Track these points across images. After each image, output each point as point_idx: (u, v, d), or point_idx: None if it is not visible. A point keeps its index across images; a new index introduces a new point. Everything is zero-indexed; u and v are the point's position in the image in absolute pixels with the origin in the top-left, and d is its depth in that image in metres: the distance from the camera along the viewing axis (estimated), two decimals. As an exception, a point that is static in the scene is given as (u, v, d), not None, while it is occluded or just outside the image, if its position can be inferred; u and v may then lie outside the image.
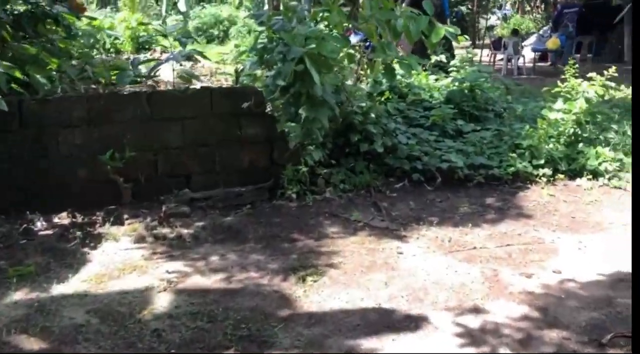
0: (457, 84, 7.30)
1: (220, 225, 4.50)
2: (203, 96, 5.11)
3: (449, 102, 6.94)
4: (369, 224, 4.56)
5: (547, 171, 5.59)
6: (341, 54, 5.39)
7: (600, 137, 6.01)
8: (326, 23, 5.46)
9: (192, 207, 4.78)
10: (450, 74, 7.79)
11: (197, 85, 5.53)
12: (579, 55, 13.75)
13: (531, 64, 15.19)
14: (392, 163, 5.66)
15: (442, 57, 8.18)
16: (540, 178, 5.56)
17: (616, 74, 6.05)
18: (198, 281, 3.63)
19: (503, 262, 3.91)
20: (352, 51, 5.83)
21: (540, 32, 16.99)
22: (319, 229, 4.48)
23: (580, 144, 5.84)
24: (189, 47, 5.88)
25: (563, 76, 6.53)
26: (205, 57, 5.70)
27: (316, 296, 3.42)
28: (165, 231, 4.36)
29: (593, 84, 5.98)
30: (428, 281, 3.62)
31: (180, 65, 5.66)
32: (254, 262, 3.89)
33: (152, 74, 5.42)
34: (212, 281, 3.63)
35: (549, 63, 15.92)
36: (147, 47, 11.74)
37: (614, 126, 6.17)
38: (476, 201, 5.15)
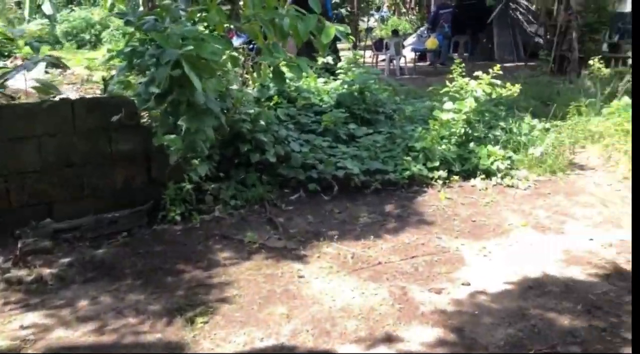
0: (346, 86, 7.07)
1: (90, 260, 3.85)
2: (63, 109, 4.39)
3: (340, 105, 6.68)
4: (265, 245, 4.13)
5: (442, 173, 5.49)
6: (224, 57, 4.90)
7: (490, 135, 6.04)
8: (205, 24, 4.95)
9: (56, 241, 4.07)
10: (339, 77, 7.55)
11: (57, 96, 4.77)
12: (456, 54, 14.25)
13: (412, 64, 15.54)
14: (286, 173, 5.27)
15: (329, 59, 7.92)
16: (435, 181, 5.44)
17: (501, 72, 6.11)
18: (62, 335, 3.00)
19: (410, 277, 3.65)
20: (235, 54, 5.35)
21: (419, 32, 17.48)
22: (209, 256, 3.97)
23: (472, 144, 5.81)
24: (46, 52, 5.09)
25: (451, 76, 6.52)
26: (63, 64, 4.94)
27: (208, 341, 2.93)
28: (22, 273, 3.63)
29: (480, 83, 5.98)
30: (334, 309, 3.25)
31: (46, 73, 4.86)
32: (132, 304, 3.30)
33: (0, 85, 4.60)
34: (81, 333, 3.01)
35: (428, 63, 16.41)
36: (6, 54, 10.41)
37: (502, 124, 6.24)
38: (375, 209, 4.89)
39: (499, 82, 6.05)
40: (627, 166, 5.73)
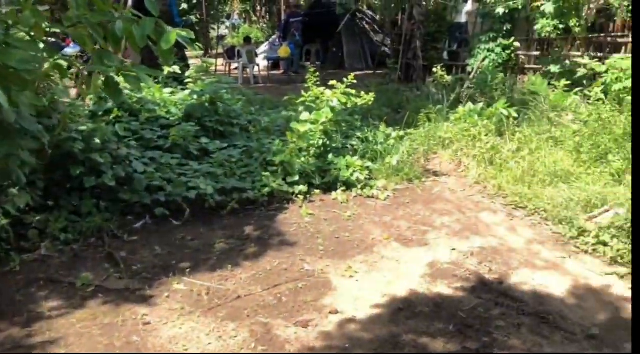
0: (195, 97, 6.55)
1: None
2: None
3: (190, 118, 6.16)
4: (102, 288, 3.51)
5: (303, 187, 5.22)
6: (46, 66, 4.15)
7: (348, 145, 5.91)
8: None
9: None
10: (187, 86, 7.01)
11: None
12: (308, 63, 14.30)
13: (266, 73, 15.34)
14: (128, 198, 4.63)
15: (176, 68, 7.34)
16: (297, 196, 5.15)
17: (355, 81, 6.01)
18: None
19: (274, 311, 3.28)
20: (62, 62, 4.60)
21: (271, 40, 17.34)
22: (30, 307, 3.27)
23: (330, 155, 5.63)
24: None
25: (306, 85, 6.30)
26: None
27: None
28: None
29: (335, 93, 5.82)
30: (187, 361, 2.77)
31: None
32: None
33: None
34: None
35: (281, 71, 16.33)
36: None
37: (358, 133, 6.15)
38: (233, 232, 4.46)
39: (353, 91, 5.94)
40: (476, 170, 5.91)
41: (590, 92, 8.93)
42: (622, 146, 5.80)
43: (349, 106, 5.88)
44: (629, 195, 4.77)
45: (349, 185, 5.42)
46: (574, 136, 6.15)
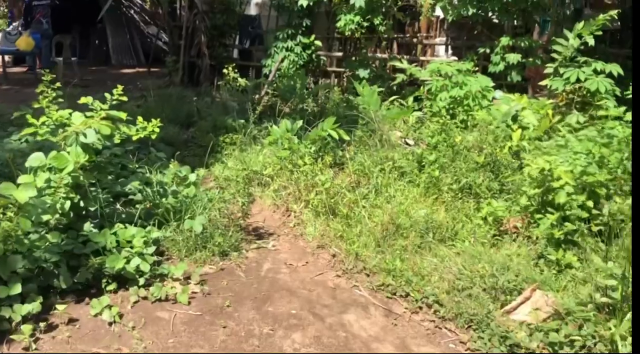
0: None
1: None
2: None
3: None
4: None
5: (31, 306, 2.81)
6: None
7: (120, 208, 3.61)
8: None
9: None
10: None
11: None
12: (61, 59, 11.11)
13: (1, 70, 11.68)
14: None
15: None
16: (18, 325, 2.73)
17: (125, 99, 3.72)
18: None
19: None
20: None
21: (9, 29, 13.41)
22: None
23: (87, 225, 3.29)
24: None
25: (40, 103, 3.78)
26: None
27: None
28: None
29: (93, 118, 3.43)
30: None
31: None
32: None
33: None
34: None
35: (26, 68, 12.70)
36: None
37: (134, 183, 3.86)
38: None
39: (124, 115, 3.60)
40: (314, 224, 4.12)
41: (410, 102, 7.94)
42: (488, 178, 4.55)
43: (117, 139, 3.54)
44: (542, 263, 3.43)
45: (124, 281, 3.16)
46: (426, 167, 4.74)
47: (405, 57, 9.04)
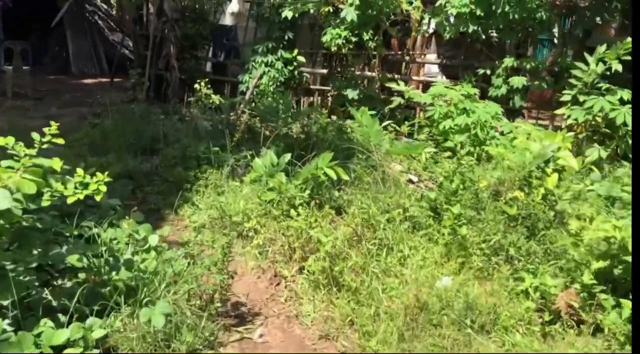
0: None
1: None
2: None
3: None
4: None
5: None
6: None
7: (46, 293, 2.59)
8: None
9: None
10: None
11: None
12: (11, 67, 9.91)
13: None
14: None
15: None
16: None
17: (62, 141, 2.71)
18: None
19: None
20: None
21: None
22: None
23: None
24: None
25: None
26: None
27: None
28: None
29: (11, 168, 2.42)
30: None
31: None
32: None
33: None
34: None
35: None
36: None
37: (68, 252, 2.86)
38: None
39: (58, 164, 2.58)
40: (310, 299, 3.18)
41: (405, 128, 7.08)
42: (522, 234, 3.69)
43: (45, 202, 2.52)
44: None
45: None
46: (446, 220, 3.85)
47: (396, 76, 8.23)
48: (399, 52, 8.43)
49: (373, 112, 6.82)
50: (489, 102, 6.24)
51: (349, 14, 6.86)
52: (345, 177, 4.27)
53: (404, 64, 8.62)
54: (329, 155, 4.28)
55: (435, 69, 8.78)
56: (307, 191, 4.05)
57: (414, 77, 8.30)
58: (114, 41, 14.63)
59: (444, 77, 8.35)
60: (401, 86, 6.54)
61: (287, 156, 4.64)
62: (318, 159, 4.34)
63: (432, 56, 8.84)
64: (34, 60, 11.36)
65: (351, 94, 7.75)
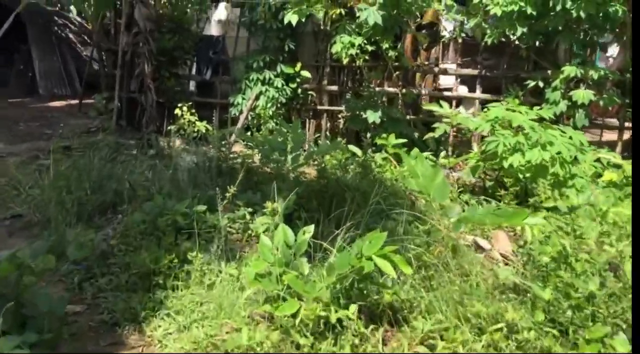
0: None
1: None
2: None
3: None
4: None
5: None
6: None
7: None
8: None
9: None
10: None
11: None
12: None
13: None
14: None
15: None
16: None
17: None
18: None
19: None
20: None
21: None
22: None
23: None
24: None
25: None
26: None
27: None
28: None
29: None
30: None
31: None
32: None
33: None
34: None
35: None
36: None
37: None
38: None
39: None
40: None
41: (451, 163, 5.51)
42: None
43: None
44: None
45: None
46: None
47: (413, 89, 6.68)
48: (426, 63, 6.87)
49: (402, 139, 5.29)
50: (567, 129, 4.68)
51: (371, 15, 5.26)
52: (408, 270, 2.67)
53: (417, 75, 7.08)
54: (380, 236, 2.67)
55: (450, 80, 7.24)
56: (353, 306, 2.45)
57: (447, 93, 6.75)
58: (87, 57, 13.01)
59: (477, 91, 6.79)
60: (445, 110, 4.97)
61: (310, 231, 3.02)
62: (361, 241, 2.74)
63: (451, 66, 7.30)
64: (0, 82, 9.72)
65: (372, 116, 6.17)
